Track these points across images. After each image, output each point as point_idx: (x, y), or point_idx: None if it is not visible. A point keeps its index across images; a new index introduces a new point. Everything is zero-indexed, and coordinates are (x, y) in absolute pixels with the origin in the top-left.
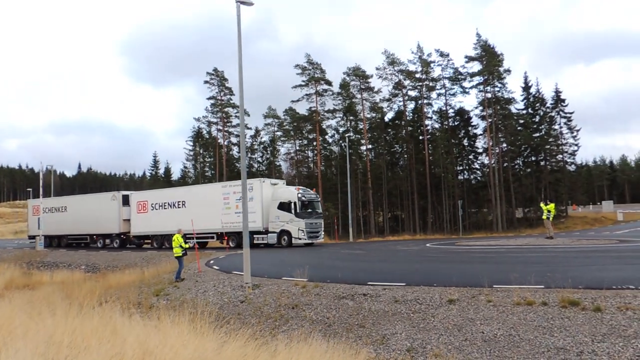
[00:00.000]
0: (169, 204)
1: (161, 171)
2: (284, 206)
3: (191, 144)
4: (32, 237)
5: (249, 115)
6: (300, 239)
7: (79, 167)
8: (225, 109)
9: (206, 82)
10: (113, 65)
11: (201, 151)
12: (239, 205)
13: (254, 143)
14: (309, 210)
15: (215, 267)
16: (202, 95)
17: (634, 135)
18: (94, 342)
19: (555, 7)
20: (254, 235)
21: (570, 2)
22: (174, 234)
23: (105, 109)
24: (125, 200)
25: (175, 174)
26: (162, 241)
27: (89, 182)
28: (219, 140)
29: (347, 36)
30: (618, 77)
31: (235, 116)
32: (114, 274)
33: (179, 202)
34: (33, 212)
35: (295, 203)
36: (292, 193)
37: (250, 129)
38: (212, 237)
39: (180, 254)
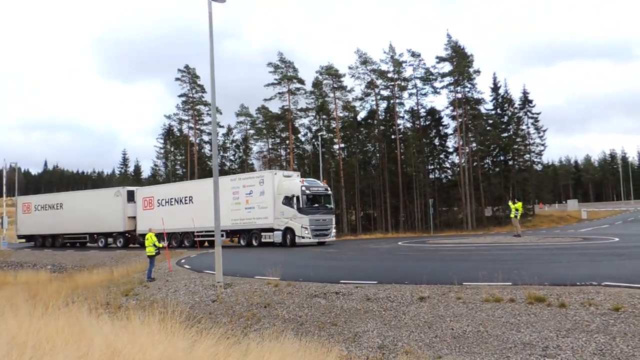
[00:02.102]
0: (175, 199)
1: (131, 169)
2: (288, 201)
3: (162, 141)
4: (22, 237)
5: (221, 114)
6: (303, 237)
7: (45, 164)
8: (197, 107)
9: (177, 79)
10: (79, 63)
11: (172, 149)
12: (249, 200)
13: (226, 141)
14: (315, 205)
15: (186, 266)
16: (171, 93)
17: (593, 135)
18: (59, 343)
19: (515, 10)
20: (262, 233)
21: (529, 7)
22: (187, 231)
23: (72, 107)
24: (131, 196)
25: (146, 172)
26: (170, 240)
27: (55, 180)
28: (190, 138)
29: (318, 36)
30: (578, 80)
31: (207, 114)
32: (81, 274)
33: (185, 197)
34: (23, 209)
35: (298, 197)
36: (295, 186)
37: (223, 127)
38: (222, 235)
39: (153, 253)
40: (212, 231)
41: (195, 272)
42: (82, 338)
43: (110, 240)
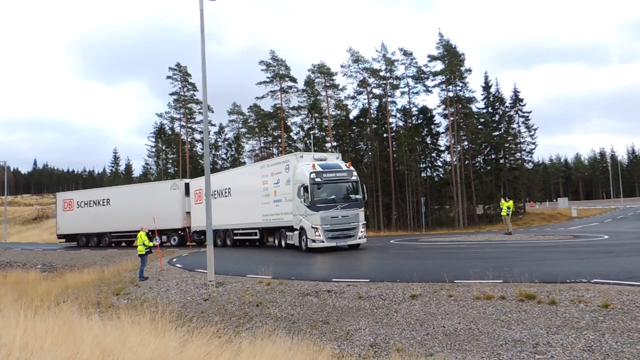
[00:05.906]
0: (217, 192)
1: (122, 168)
2: (299, 192)
3: (153, 140)
4: (62, 236)
5: (212, 112)
6: (314, 240)
7: (35, 163)
8: (189, 105)
9: (169, 77)
10: (63, 64)
11: (164, 147)
12: (277, 192)
13: (218, 140)
14: (332, 197)
15: (178, 265)
16: (158, 93)
17: (576, 135)
18: (48, 343)
19: (493, 14)
20: (287, 233)
21: (507, 11)
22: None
23: (57, 107)
24: (187, 190)
25: (137, 171)
26: (215, 238)
27: (45, 178)
28: (182, 137)
29: (309, 34)
30: (556, 83)
31: (199, 112)
32: (72, 273)
33: (225, 190)
34: (64, 206)
35: (306, 187)
36: (306, 172)
37: (215, 125)
38: (255, 234)
39: (144, 252)
40: (252, 228)
41: (187, 271)
42: (72, 338)
43: (164, 238)
